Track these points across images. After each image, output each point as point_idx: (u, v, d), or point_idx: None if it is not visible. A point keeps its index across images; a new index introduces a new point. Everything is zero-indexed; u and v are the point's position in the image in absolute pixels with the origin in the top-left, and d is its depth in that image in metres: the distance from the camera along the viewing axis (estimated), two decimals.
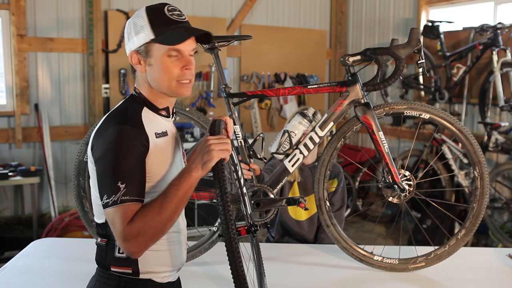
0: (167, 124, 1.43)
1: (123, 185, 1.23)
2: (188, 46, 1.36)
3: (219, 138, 1.32)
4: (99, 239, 1.40)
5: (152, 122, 1.37)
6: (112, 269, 1.36)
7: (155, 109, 1.41)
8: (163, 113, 1.43)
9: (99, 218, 1.39)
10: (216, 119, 1.48)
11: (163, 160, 1.37)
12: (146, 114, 1.37)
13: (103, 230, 1.38)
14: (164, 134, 1.39)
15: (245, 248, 1.61)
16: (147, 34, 1.34)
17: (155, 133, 1.35)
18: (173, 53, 1.34)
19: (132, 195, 1.24)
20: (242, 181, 1.71)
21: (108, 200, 1.23)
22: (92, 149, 1.32)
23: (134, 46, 1.37)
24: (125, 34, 1.41)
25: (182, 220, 1.49)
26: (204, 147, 1.30)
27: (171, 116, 1.47)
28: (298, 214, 2.53)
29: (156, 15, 1.35)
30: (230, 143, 1.34)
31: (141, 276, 1.37)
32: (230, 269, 1.24)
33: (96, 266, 1.42)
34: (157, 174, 1.35)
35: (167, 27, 1.34)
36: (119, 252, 1.35)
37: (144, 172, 1.30)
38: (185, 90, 1.39)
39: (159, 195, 1.27)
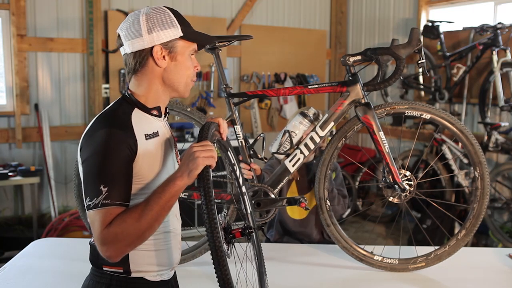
0: (159, 124, 1.42)
1: (106, 189, 1.22)
2: None
3: (203, 145, 1.31)
4: (92, 239, 1.40)
5: (142, 124, 1.35)
6: (104, 268, 1.37)
7: (146, 109, 1.39)
8: (155, 112, 1.41)
9: None
10: (206, 123, 1.48)
11: (153, 162, 1.36)
12: (137, 115, 1.36)
13: None
14: (155, 135, 1.38)
15: (241, 248, 1.61)
16: (176, 31, 1.36)
17: (145, 134, 1.34)
18: (193, 53, 1.43)
19: (114, 199, 1.23)
20: (241, 180, 1.70)
21: (90, 203, 1.23)
22: (80, 150, 1.32)
23: (160, 41, 1.35)
24: (142, 26, 1.34)
25: (176, 220, 1.49)
26: (189, 155, 1.29)
27: (163, 115, 1.45)
28: (296, 212, 2.52)
29: (177, 15, 1.39)
30: (215, 149, 1.33)
31: (133, 275, 1.37)
32: (216, 277, 1.23)
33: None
34: (148, 175, 1.35)
35: (191, 28, 1.41)
36: None
37: (130, 177, 1.29)
38: (189, 90, 1.47)
39: (142, 201, 1.26)
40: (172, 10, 1.39)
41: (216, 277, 1.23)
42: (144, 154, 1.32)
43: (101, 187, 1.22)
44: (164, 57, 1.37)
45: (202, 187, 1.27)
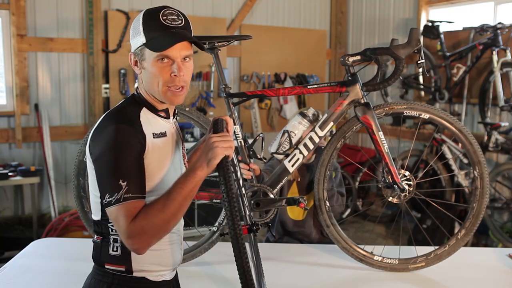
0: (167, 125, 1.44)
1: (125, 183, 1.24)
2: (178, 52, 1.34)
3: (222, 136, 1.34)
4: (95, 237, 1.41)
5: (150, 123, 1.38)
6: (106, 266, 1.37)
7: (154, 110, 1.41)
8: (162, 114, 1.43)
9: (95, 215, 1.40)
10: (217, 118, 1.49)
11: (160, 161, 1.38)
12: (145, 115, 1.38)
13: (99, 228, 1.39)
14: (163, 135, 1.40)
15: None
16: (141, 38, 1.35)
17: (153, 133, 1.36)
18: (162, 59, 1.34)
19: (134, 192, 1.25)
20: (241, 181, 1.71)
21: (111, 199, 1.24)
22: (90, 147, 1.33)
23: (133, 48, 1.39)
24: (130, 35, 1.43)
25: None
26: (208, 145, 1.32)
27: (171, 117, 1.47)
28: (296, 213, 2.52)
29: (150, 19, 1.35)
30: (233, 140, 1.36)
31: (135, 274, 1.38)
32: (236, 265, 1.25)
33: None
34: (155, 174, 1.36)
35: (158, 32, 1.33)
36: (113, 250, 1.36)
37: (143, 169, 1.31)
38: (175, 98, 1.38)
39: (164, 193, 1.28)
40: (149, 12, 1.36)
41: (236, 265, 1.25)
42: (152, 151, 1.34)
43: (120, 182, 1.24)
44: (137, 64, 1.39)
45: (222, 176, 1.30)
